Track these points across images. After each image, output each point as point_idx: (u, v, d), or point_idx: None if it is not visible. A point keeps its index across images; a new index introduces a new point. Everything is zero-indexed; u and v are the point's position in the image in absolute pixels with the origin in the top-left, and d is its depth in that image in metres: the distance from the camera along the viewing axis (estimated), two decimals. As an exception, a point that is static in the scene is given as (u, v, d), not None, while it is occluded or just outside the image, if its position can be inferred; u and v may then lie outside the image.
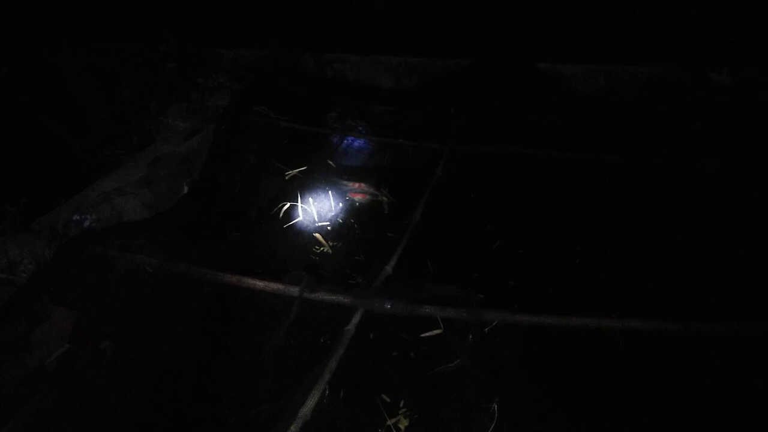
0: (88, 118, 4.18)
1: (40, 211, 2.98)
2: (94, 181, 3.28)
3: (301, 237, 3.12)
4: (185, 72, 4.43)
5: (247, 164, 3.77)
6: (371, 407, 2.10)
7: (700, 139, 3.70)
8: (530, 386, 2.19)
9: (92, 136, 4.01)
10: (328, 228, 3.19)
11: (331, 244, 3.04)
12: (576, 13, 4.79)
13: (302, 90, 4.60)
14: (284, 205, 3.27)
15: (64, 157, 3.80)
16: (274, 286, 2.57)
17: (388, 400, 2.13)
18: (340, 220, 3.26)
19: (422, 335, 2.36)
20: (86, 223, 2.98)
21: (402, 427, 2.03)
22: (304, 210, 3.26)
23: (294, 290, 2.53)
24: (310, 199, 3.35)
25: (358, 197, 3.45)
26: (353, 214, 3.31)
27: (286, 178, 3.59)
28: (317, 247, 3.02)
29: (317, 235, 3.06)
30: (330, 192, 3.44)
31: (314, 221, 3.22)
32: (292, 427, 1.92)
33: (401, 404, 2.11)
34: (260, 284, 2.59)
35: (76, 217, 2.98)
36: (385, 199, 3.41)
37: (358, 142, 4.02)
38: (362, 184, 3.50)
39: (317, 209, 3.29)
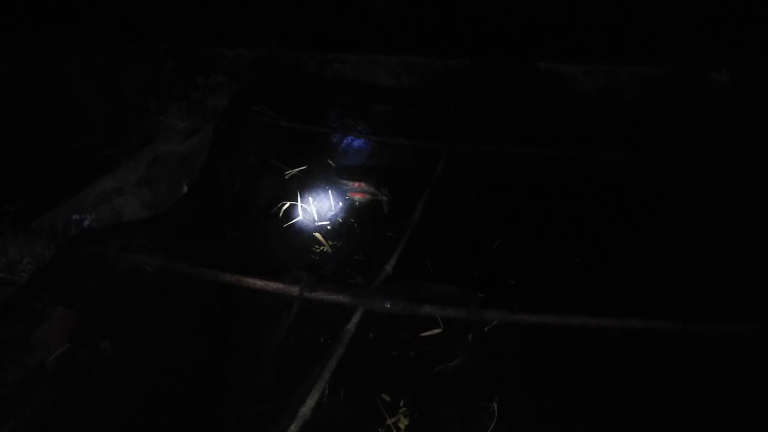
0: (88, 118, 4.18)
1: (40, 211, 2.98)
2: (93, 181, 3.27)
3: (301, 236, 3.12)
4: (185, 71, 4.43)
5: (246, 164, 3.77)
6: (371, 406, 2.10)
7: (700, 139, 3.69)
8: (530, 385, 2.19)
9: (92, 136, 4.01)
10: (328, 227, 3.19)
11: (330, 243, 3.04)
12: (576, 12, 4.78)
13: (302, 89, 4.60)
14: (284, 204, 3.27)
15: (64, 157, 3.80)
16: (274, 285, 2.57)
17: (388, 399, 2.13)
18: (340, 220, 3.26)
19: (422, 335, 2.36)
20: (86, 223, 2.98)
21: (402, 426, 2.03)
22: (303, 209, 3.26)
23: (294, 290, 2.53)
24: (310, 198, 3.35)
25: (357, 197, 3.45)
26: (353, 214, 3.31)
27: (286, 177, 3.59)
28: (317, 247, 3.02)
29: (317, 234, 3.06)
30: (330, 191, 3.44)
31: (314, 221, 3.22)
32: (293, 427, 1.92)
33: (401, 403, 2.12)
34: (260, 284, 2.59)
35: (75, 216, 2.98)
36: (384, 198, 3.41)
37: (358, 142, 4.02)
38: (362, 184, 3.50)
39: (317, 209, 3.29)
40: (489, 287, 2.57)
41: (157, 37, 4.65)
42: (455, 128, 4.04)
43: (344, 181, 3.54)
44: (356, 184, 3.51)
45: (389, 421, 2.04)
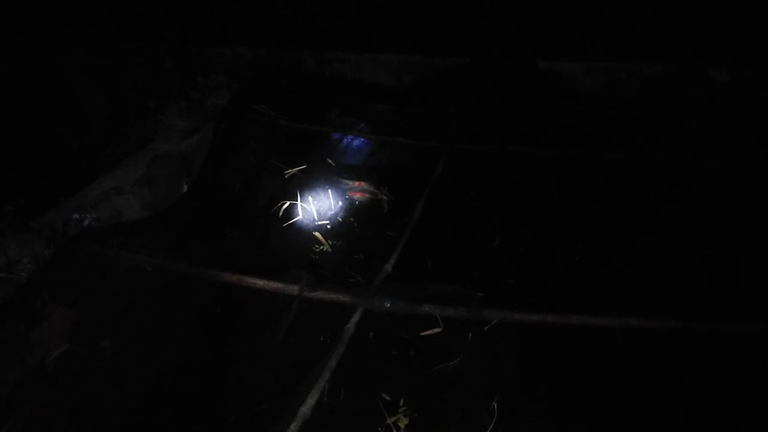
0: (88, 117, 4.18)
1: (40, 211, 2.98)
2: (93, 181, 3.27)
3: (301, 236, 3.12)
4: (184, 71, 4.42)
5: (246, 163, 3.77)
6: (371, 406, 2.10)
7: (700, 139, 3.69)
8: (530, 385, 2.20)
9: (92, 136, 4.01)
10: (328, 227, 3.19)
11: (330, 242, 3.04)
12: (576, 11, 4.78)
13: (302, 89, 4.60)
14: (284, 203, 3.27)
15: (63, 156, 3.79)
16: (273, 284, 2.57)
17: (388, 398, 2.13)
18: (340, 219, 3.26)
19: (422, 334, 2.36)
20: (86, 222, 2.98)
21: (402, 425, 2.03)
22: (303, 209, 3.26)
23: (294, 289, 2.53)
24: (310, 197, 3.35)
25: (357, 196, 3.45)
26: (353, 213, 3.31)
27: (286, 176, 3.58)
28: (317, 246, 3.02)
29: (317, 233, 3.06)
30: (330, 191, 3.44)
31: (314, 220, 3.22)
32: (293, 426, 1.92)
33: (401, 403, 2.12)
34: (260, 283, 2.59)
35: (75, 216, 2.98)
36: (384, 197, 3.41)
37: (358, 141, 4.02)
38: (362, 183, 3.50)
39: (317, 208, 3.29)
40: (489, 286, 2.57)
41: (156, 37, 4.65)
42: (455, 127, 4.04)
43: (344, 181, 3.54)
44: (356, 183, 3.51)
45: (389, 421, 2.04)
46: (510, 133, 3.85)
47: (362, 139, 4.02)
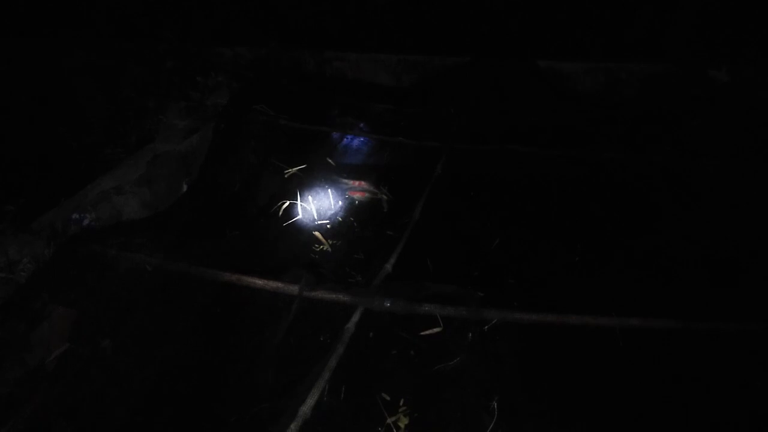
0: (88, 117, 4.18)
1: (40, 210, 2.98)
2: (93, 180, 3.27)
3: (301, 235, 3.12)
4: (184, 71, 4.42)
5: (246, 163, 3.77)
6: (371, 406, 2.10)
7: (700, 139, 3.69)
8: (530, 384, 2.20)
9: (92, 136, 4.00)
10: (328, 226, 3.19)
11: (330, 242, 3.04)
12: (575, 11, 4.78)
13: (302, 88, 4.60)
14: (284, 203, 3.27)
15: (63, 156, 3.79)
16: (273, 284, 2.57)
17: (388, 398, 2.13)
18: (340, 219, 3.26)
19: (422, 333, 2.36)
20: (86, 222, 2.98)
21: (402, 425, 2.03)
22: (303, 208, 3.26)
23: (294, 289, 2.53)
24: (310, 197, 3.35)
25: (357, 195, 3.45)
26: (353, 213, 3.31)
27: (286, 176, 3.59)
28: (317, 246, 3.02)
29: (317, 233, 3.06)
30: (329, 190, 3.44)
31: (314, 219, 3.22)
32: (293, 426, 1.92)
33: (401, 402, 2.12)
34: (260, 283, 2.59)
35: (75, 216, 2.98)
36: (384, 197, 3.41)
37: (358, 141, 4.02)
38: (362, 183, 3.50)
39: (317, 207, 3.29)
40: (489, 286, 2.57)
41: (156, 36, 4.64)
42: (455, 127, 4.04)
43: (344, 180, 3.54)
44: (356, 182, 3.51)
45: (389, 420, 2.04)
46: (510, 133, 3.85)
47: (362, 139, 4.02)
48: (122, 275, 2.66)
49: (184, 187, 3.62)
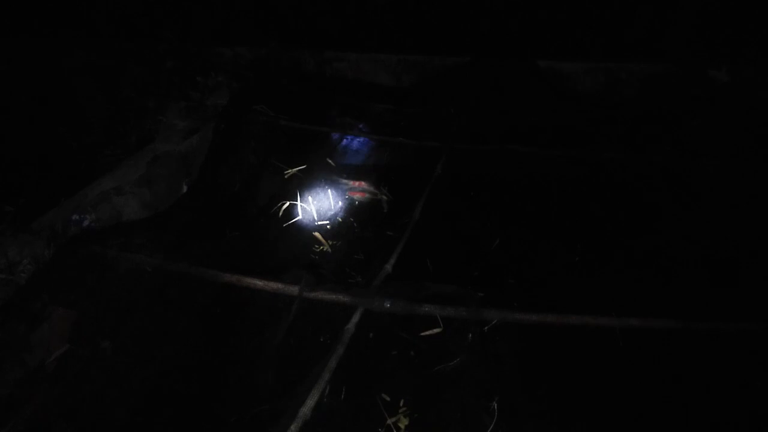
0: (88, 117, 4.18)
1: (40, 211, 2.97)
2: (93, 181, 3.27)
3: (301, 236, 3.12)
4: (184, 71, 4.42)
5: (246, 163, 3.77)
6: (371, 406, 2.10)
7: (700, 139, 3.69)
8: (530, 385, 2.20)
9: (92, 136, 4.00)
10: (328, 227, 3.19)
11: (330, 242, 3.04)
12: (576, 11, 4.78)
13: (302, 88, 4.60)
14: (284, 203, 3.27)
15: (63, 156, 3.79)
16: (273, 285, 2.57)
17: (388, 399, 2.13)
18: (340, 219, 3.26)
19: (422, 334, 2.36)
20: (85, 223, 2.98)
21: (402, 426, 2.03)
22: (303, 209, 3.26)
23: (294, 289, 2.53)
24: (310, 197, 3.35)
25: (357, 196, 3.45)
26: (353, 213, 3.31)
27: (286, 176, 3.58)
28: (317, 246, 3.02)
29: (317, 233, 3.06)
30: (329, 191, 3.44)
31: (314, 220, 3.22)
32: (293, 427, 1.92)
33: (401, 403, 2.12)
34: (260, 283, 2.58)
35: (75, 216, 2.98)
36: (384, 197, 3.41)
37: (358, 141, 4.02)
38: (362, 183, 3.50)
39: (317, 208, 3.29)
40: (489, 286, 2.57)
41: (156, 36, 4.64)
42: (455, 127, 4.04)
43: (344, 181, 3.54)
44: (356, 183, 3.51)
45: (389, 421, 2.04)
46: (510, 133, 3.85)
47: (362, 139, 4.02)
48: (122, 276, 2.66)
49: (184, 188, 3.62)
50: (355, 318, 2.38)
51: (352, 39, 5.12)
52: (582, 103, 4.40)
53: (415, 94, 4.71)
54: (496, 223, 3.08)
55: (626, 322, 2.34)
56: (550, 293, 2.61)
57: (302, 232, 3.15)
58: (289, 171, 3.60)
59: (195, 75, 4.37)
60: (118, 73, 4.53)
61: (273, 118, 4.07)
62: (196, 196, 3.55)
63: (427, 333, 2.36)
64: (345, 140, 4.02)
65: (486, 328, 2.37)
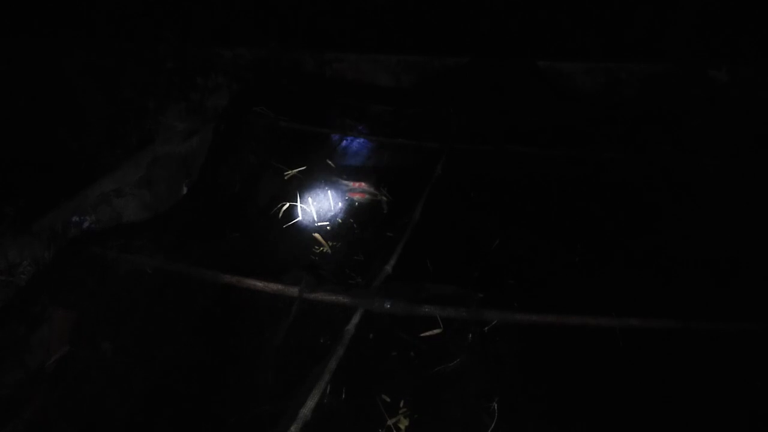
0: (88, 118, 4.18)
1: (40, 213, 2.97)
2: (93, 182, 3.27)
3: (301, 237, 3.12)
4: (184, 72, 4.42)
5: (246, 164, 3.77)
6: (371, 407, 2.10)
7: (700, 138, 3.69)
8: (530, 385, 2.20)
9: (92, 137, 4.00)
10: (328, 228, 3.19)
11: (330, 243, 3.04)
12: (576, 11, 4.78)
13: (301, 89, 4.60)
14: (284, 204, 3.27)
15: (63, 157, 3.79)
16: (273, 286, 2.57)
17: (388, 400, 2.13)
18: (340, 220, 3.26)
19: (422, 335, 2.36)
20: (85, 224, 2.99)
21: (402, 426, 2.03)
22: (303, 210, 3.26)
23: (293, 290, 2.53)
24: (310, 198, 3.35)
25: (357, 197, 3.45)
26: (353, 214, 3.31)
27: (286, 177, 3.58)
28: (317, 247, 3.02)
29: (317, 234, 3.06)
30: (329, 192, 3.44)
31: (314, 221, 3.22)
32: (293, 428, 1.92)
33: (401, 404, 2.11)
34: (260, 284, 2.58)
35: (75, 218, 2.98)
36: (384, 198, 3.41)
37: (358, 142, 4.02)
38: (362, 184, 3.50)
39: (317, 209, 3.29)
40: (489, 287, 2.57)
41: (156, 37, 4.64)
42: (455, 128, 4.04)
43: (344, 182, 3.54)
44: (356, 184, 3.51)
45: (389, 422, 2.04)
46: (510, 133, 3.85)
47: (362, 140, 4.02)
48: (122, 277, 2.66)
49: (184, 189, 3.63)
50: (355, 319, 2.38)
51: (352, 39, 5.12)
52: (582, 103, 4.40)
53: (415, 95, 4.70)
54: (496, 224, 3.08)
55: (626, 322, 2.34)
56: (550, 293, 2.60)
57: (302, 233, 3.15)
58: (289, 172, 3.60)
59: (195, 76, 4.37)
60: (118, 74, 4.53)
61: (273, 119, 4.07)
62: (196, 197, 3.55)
63: (427, 334, 2.36)
64: (345, 141, 4.02)
65: (486, 328, 2.37)
